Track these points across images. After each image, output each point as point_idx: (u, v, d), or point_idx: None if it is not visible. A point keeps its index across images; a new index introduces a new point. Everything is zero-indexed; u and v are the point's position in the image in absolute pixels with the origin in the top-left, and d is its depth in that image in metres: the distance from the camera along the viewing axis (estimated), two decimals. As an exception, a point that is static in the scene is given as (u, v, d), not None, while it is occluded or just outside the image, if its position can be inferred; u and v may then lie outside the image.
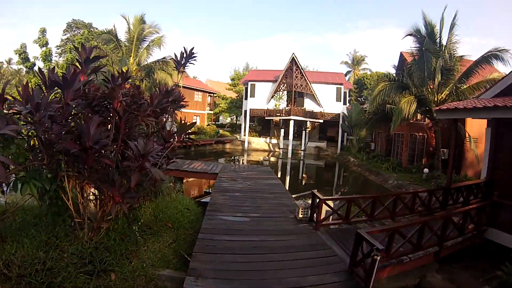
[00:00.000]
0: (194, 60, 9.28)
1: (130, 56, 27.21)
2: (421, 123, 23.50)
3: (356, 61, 61.47)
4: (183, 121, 6.93)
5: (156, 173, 5.15)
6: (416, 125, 23.32)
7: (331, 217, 7.70)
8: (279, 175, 24.86)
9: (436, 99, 19.28)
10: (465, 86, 18.56)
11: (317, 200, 7.29)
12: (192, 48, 9.13)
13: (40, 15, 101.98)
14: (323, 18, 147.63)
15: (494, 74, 17.50)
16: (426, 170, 20.27)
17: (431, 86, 19.42)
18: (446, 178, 17.57)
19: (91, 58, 5.74)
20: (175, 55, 9.09)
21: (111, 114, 5.84)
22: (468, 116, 8.86)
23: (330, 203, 7.55)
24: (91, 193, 6.07)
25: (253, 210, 8.40)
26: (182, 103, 9.08)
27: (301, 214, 7.68)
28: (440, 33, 19.16)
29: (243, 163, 28.24)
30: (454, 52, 18.88)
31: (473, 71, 17.84)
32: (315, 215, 7.32)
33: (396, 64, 32.21)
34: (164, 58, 28.68)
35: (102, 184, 5.31)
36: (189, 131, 6.94)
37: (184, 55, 9.11)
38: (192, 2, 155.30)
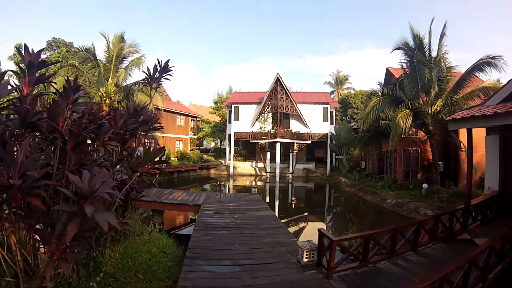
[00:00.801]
0: (170, 75, 7.91)
1: (109, 76, 25.69)
2: (414, 138, 22.56)
3: (340, 81, 61.12)
4: (156, 146, 5.27)
5: (102, 220, 3.44)
6: (408, 139, 22.32)
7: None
8: (267, 200, 23.39)
9: (430, 111, 18.46)
10: (458, 96, 17.80)
11: (327, 240, 5.67)
12: (167, 61, 7.70)
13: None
14: (304, 41, 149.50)
15: (486, 82, 16.83)
16: (425, 185, 19.20)
17: (424, 99, 18.71)
18: (445, 192, 17.41)
19: (38, 63, 4.31)
20: (148, 69, 7.68)
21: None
22: (485, 125, 7.83)
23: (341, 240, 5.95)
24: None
25: (243, 255, 6.69)
26: (156, 124, 7.57)
27: (306, 257, 5.97)
28: (429, 45, 18.70)
29: (229, 191, 26.22)
30: (447, 62, 18.34)
31: (466, 80, 17.33)
32: (324, 259, 5.68)
33: (383, 81, 31.31)
34: (144, 79, 27.21)
35: (36, 232, 3.88)
36: (159, 158, 5.36)
37: (158, 69, 7.69)
38: (175, 26, 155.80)
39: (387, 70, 30.05)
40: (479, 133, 18.68)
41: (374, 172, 26.86)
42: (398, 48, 19.05)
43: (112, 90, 25.43)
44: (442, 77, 17.95)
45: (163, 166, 22.70)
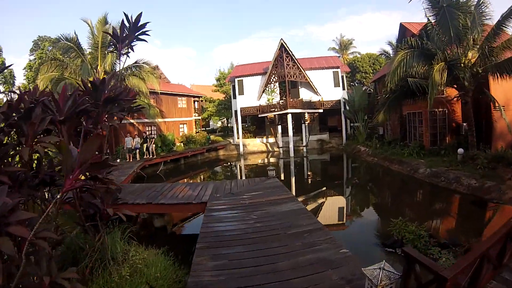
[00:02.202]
0: (145, 34, 5.58)
1: (98, 64, 23.40)
2: (441, 97, 20.00)
3: (344, 46, 57.74)
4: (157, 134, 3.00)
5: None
6: (435, 99, 19.04)
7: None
8: (282, 177, 21.57)
9: (466, 64, 16.03)
10: (495, 45, 15.40)
11: (416, 265, 3.43)
12: (140, 16, 5.42)
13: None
14: (301, 11, 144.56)
15: None
16: (460, 150, 16.94)
17: (456, 50, 16.26)
18: (484, 157, 15.02)
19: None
20: (113, 29, 5.44)
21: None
22: None
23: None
24: None
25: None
26: (132, 105, 5.36)
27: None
28: None
29: (241, 175, 23.97)
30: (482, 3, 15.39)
31: (503, 26, 14.98)
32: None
33: (397, 37, 28.66)
34: (136, 62, 24.91)
35: None
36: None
37: (128, 27, 5.46)
38: (170, 10, 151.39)
39: (401, 25, 27.30)
40: (508, 89, 16.98)
41: (397, 139, 24.61)
42: (420, -6, 16.44)
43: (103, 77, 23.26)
44: (478, 23, 15.21)
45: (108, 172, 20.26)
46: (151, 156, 25.46)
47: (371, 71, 49.78)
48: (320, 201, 16.27)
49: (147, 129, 31.35)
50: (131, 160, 23.77)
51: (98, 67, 23.17)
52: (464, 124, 19.36)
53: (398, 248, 8.26)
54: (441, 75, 14.82)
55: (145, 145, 25.26)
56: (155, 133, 32.12)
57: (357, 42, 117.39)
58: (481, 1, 15.05)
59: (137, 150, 24.56)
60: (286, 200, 9.58)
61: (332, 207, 15.47)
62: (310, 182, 21.80)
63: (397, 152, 21.75)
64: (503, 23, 14.90)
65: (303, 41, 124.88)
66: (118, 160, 23.54)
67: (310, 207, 14.39)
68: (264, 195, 10.44)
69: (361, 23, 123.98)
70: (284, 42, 30.95)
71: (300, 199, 15.86)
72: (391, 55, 38.12)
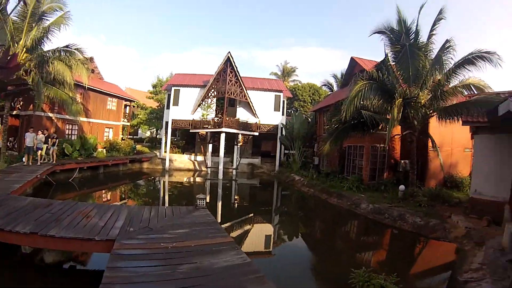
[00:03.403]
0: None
1: (20, 38, 20.07)
2: (383, 133, 19.67)
3: (286, 72, 58.06)
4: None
5: None
6: (377, 135, 19.72)
7: None
8: (208, 199, 20.09)
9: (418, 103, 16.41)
10: (446, 89, 15.96)
11: None
12: None
13: None
14: (248, 33, 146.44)
15: (470, 80, 15.45)
16: (402, 187, 16.94)
17: (410, 89, 16.43)
18: (422, 194, 15.75)
19: None
20: None
21: None
22: None
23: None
24: None
25: None
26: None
27: None
28: (417, 31, 16.75)
29: (164, 202, 19.63)
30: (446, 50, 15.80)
31: (455, 73, 15.56)
32: None
33: (345, 70, 29.58)
34: (67, 46, 21.47)
35: None
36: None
37: None
38: (119, 8, 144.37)
39: (352, 60, 27.61)
40: (443, 132, 17.73)
41: (336, 171, 23.89)
42: (379, 32, 17.07)
43: (23, 56, 19.90)
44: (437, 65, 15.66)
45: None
46: (51, 161, 21.19)
47: (310, 101, 50.20)
48: (259, 232, 14.91)
49: (68, 128, 27.69)
50: (30, 163, 19.47)
51: (21, 42, 20.00)
52: (402, 161, 19.84)
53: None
54: (399, 110, 14.89)
55: (45, 146, 20.89)
56: (76, 133, 28.32)
57: (299, 72, 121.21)
58: (448, 46, 15.22)
59: (39, 151, 20.26)
60: (223, 246, 7.17)
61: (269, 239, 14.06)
62: (238, 208, 20.00)
63: (336, 185, 21.02)
64: (456, 70, 15.31)
65: (246, 63, 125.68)
66: (24, 160, 19.67)
67: (239, 234, 13.26)
68: (193, 235, 7.99)
69: (305, 55, 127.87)
70: (231, 56, 29.54)
71: (226, 224, 14.23)
72: (334, 87, 38.77)
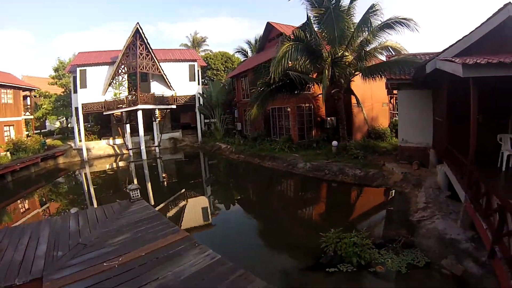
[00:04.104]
0: None
1: None
2: (308, 93, 21.08)
3: (197, 43, 55.74)
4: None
5: None
6: (302, 96, 20.31)
7: None
8: (135, 182, 19.01)
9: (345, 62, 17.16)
10: (368, 49, 17.08)
11: None
12: None
13: None
14: (154, 5, 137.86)
15: (388, 42, 16.76)
16: (335, 142, 17.84)
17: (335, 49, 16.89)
18: (354, 146, 17.07)
19: None
20: None
21: None
22: (497, 73, 5.46)
23: None
24: None
25: None
26: None
27: None
28: None
29: (92, 205, 15.88)
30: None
31: (376, 36, 16.46)
32: None
33: (260, 37, 30.37)
34: None
35: None
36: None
37: None
38: None
39: (268, 24, 27.71)
40: (364, 89, 19.41)
41: (262, 134, 23.85)
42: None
43: None
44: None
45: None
46: None
47: (223, 69, 49.24)
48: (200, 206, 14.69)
49: None
50: None
51: None
52: (329, 118, 21.19)
53: (340, 265, 6.93)
54: (329, 70, 15.74)
55: None
56: None
57: (210, 42, 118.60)
58: (374, 10, 15.88)
59: None
60: (181, 245, 6.15)
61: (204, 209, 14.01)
62: (170, 186, 19.31)
63: (266, 148, 21.41)
64: (377, 33, 16.14)
65: (153, 38, 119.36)
66: None
67: (175, 212, 13.00)
68: (140, 239, 6.72)
69: (215, 26, 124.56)
70: (140, 28, 27.23)
71: (161, 205, 13.79)
72: (249, 53, 38.28)
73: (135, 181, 19.62)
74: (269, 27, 27.29)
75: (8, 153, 24.54)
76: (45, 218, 8.84)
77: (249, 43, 40.11)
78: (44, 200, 18.29)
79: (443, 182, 10.75)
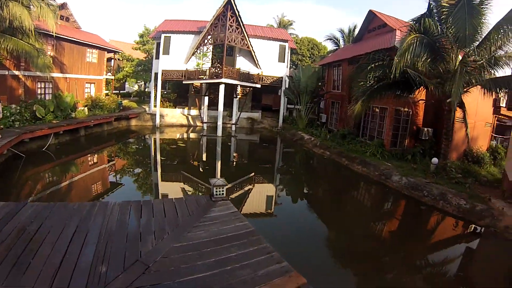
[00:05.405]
0: None
1: None
2: (408, 97, 17.77)
3: (283, 26, 53.36)
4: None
5: None
6: (403, 98, 17.50)
7: None
8: (204, 158, 19.35)
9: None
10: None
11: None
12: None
13: None
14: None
15: None
16: (435, 160, 15.07)
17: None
18: (455, 168, 14.16)
19: None
20: None
21: None
22: None
23: None
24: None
25: None
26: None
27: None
28: None
29: (158, 170, 16.86)
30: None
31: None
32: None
33: (360, 25, 26.26)
34: None
35: None
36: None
37: None
38: None
39: (370, 12, 24.34)
40: (470, 103, 15.94)
41: (352, 132, 21.40)
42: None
43: None
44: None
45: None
46: None
47: (309, 55, 46.99)
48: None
49: (39, 86, 23.28)
50: None
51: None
52: (425, 129, 18.19)
53: None
54: (460, 74, 12.65)
55: None
56: (50, 91, 24.26)
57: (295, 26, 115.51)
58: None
59: None
60: None
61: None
62: (240, 166, 18.63)
63: (356, 149, 18.97)
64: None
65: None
66: None
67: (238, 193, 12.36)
68: (231, 276, 4.58)
69: (299, 12, 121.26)
70: (232, -1, 25.49)
71: (227, 186, 11.94)
72: (340, 42, 35.70)
73: (204, 156, 19.29)
74: (370, 15, 24.12)
75: (86, 108, 24.90)
76: (101, 201, 7.10)
77: (341, 31, 37.40)
78: (110, 160, 18.82)
79: None
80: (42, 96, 23.70)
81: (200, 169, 17.72)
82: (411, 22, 14.67)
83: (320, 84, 29.00)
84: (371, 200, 14.36)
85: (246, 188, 13.94)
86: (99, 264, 4.63)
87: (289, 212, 11.95)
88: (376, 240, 9.88)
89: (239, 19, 26.39)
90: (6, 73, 20.66)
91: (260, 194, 13.84)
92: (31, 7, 17.56)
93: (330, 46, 41.73)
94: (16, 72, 21.29)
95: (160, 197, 12.42)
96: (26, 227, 5.74)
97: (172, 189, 13.84)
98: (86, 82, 29.04)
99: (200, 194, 12.95)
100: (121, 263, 4.74)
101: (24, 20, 16.53)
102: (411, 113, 18.71)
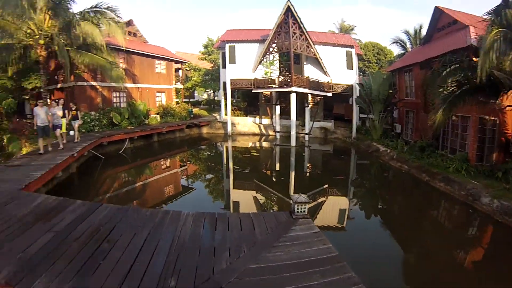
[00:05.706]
0: None
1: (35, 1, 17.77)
2: (495, 104, 15.62)
3: (345, 31, 51.96)
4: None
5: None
6: (488, 106, 15.47)
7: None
8: (277, 167, 19.74)
9: None
10: None
11: None
12: None
13: None
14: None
15: None
16: None
17: None
18: None
19: None
20: None
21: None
22: None
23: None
24: None
25: None
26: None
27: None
28: None
29: (230, 177, 17.51)
30: None
31: None
32: None
33: (428, 24, 24.45)
34: (96, 6, 19.21)
35: None
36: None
37: None
38: None
39: (436, 9, 22.44)
40: None
41: (431, 144, 19.99)
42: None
43: (49, 23, 18.56)
44: None
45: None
46: (75, 140, 16.72)
47: (375, 61, 45.47)
48: None
49: (115, 96, 25.76)
50: (50, 148, 14.39)
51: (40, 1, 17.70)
52: None
53: None
54: None
55: (64, 121, 15.70)
56: (124, 100, 26.27)
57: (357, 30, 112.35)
58: None
59: (57, 130, 15.05)
60: None
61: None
62: (313, 177, 18.70)
63: (437, 164, 17.26)
64: None
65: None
66: (40, 145, 14.14)
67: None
68: None
69: (357, 16, 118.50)
70: (292, 5, 25.16)
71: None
72: (408, 45, 34.06)
73: (278, 166, 19.78)
74: (438, 13, 22.25)
75: (158, 116, 26.68)
76: (174, 210, 7.32)
77: (407, 33, 35.60)
78: (182, 165, 20.58)
79: None
80: (118, 104, 26.35)
81: (274, 179, 17.87)
82: (487, 16, 13.23)
83: (391, 91, 27.43)
84: (456, 223, 12.87)
85: (320, 200, 13.77)
86: (168, 277, 4.57)
87: (363, 228, 11.51)
88: (465, 272, 8.68)
89: (301, 25, 25.98)
90: (85, 84, 23.56)
91: (333, 207, 13.62)
92: (101, 25, 19.55)
93: (396, 50, 40.07)
94: (94, 83, 24.12)
95: (231, 204, 13.04)
96: (100, 227, 6.23)
97: (244, 197, 14.16)
98: (157, 91, 31.32)
99: (273, 203, 13.27)
100: (191, 278, 4.59)
101: (95, 37, 18.59)
102: (498, 122, 16.49)
